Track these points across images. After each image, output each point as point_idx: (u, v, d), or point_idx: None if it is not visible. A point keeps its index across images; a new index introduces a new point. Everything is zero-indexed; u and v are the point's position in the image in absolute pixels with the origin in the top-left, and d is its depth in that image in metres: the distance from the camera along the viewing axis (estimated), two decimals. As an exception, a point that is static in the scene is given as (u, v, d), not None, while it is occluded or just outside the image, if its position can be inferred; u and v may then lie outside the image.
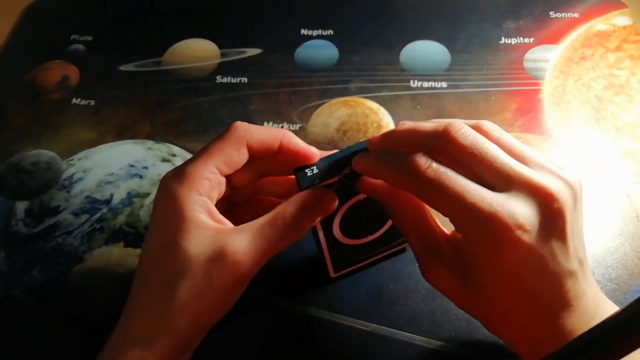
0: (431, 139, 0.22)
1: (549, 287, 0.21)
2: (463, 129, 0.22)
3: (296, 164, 0.25)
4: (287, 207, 0.24)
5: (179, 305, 0.22)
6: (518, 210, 0.20)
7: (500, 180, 0.21)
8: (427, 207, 0.24)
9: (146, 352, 0.22)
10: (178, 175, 0.24)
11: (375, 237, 0.30)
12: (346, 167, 0.25)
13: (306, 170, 0.25)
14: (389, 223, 0.29)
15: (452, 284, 0.23)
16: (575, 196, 0.22)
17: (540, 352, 0.21)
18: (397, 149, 0.24)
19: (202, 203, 0.23)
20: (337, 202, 0.25)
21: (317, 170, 0.25)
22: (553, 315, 0.21)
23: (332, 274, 0.31)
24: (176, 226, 0.23)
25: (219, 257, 0.22)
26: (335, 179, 0.25)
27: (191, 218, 0.23)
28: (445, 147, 0.22)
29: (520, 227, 0.20)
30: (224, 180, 0.25)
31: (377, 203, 0.26)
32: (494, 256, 0.21)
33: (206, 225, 0.23)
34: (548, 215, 0.21)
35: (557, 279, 0.21)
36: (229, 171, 0.25)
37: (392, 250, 0.32)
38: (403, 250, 0.32)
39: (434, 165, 0.21)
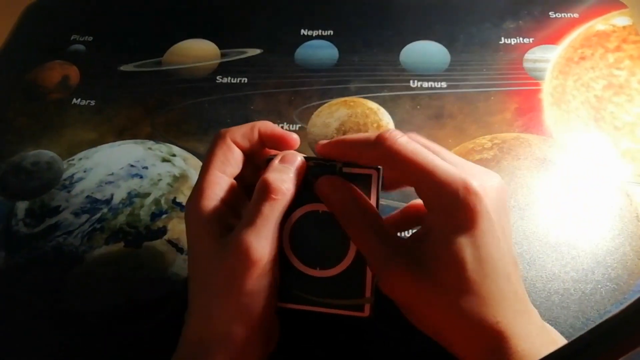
0: (369, 146, 0.25)
1: (505, 273, 0.22)
2: (396, 136, 0.24)
3: (278, 149, 0.27)
4: (268, 175, 0.25)
5: (214, 310, 0.24)
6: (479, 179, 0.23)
7: (438, 184, 0.23)
8: (377, 211, 0.25)
9: (216, 353, 0.23)
10: (192, 208, 0.25)
11: (327, 275, 0.26)
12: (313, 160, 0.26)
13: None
14: (343, 266, 0.26)
15: (408, 281, 0.23)
16: (499, 192, 0.24)
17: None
18: (343, 154, 0.26)
19: (215, 224, 0.25)
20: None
21: None
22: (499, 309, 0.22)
23: (277, 302, 0.26)
24: (194, 242, 0.25)
25: (230, 251, 0.23)
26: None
27: (204, 234, 0.25)
28: (383, 153, 0.24)
29: (477, 193, 0.22)
30: (231, 180, 0.26)
31: (333, 230, 0.25)
32: (459, 221, 0.22)
33: (215, 231, 0.25)
34: (495, 199, 0.23)
35: (514, 263, 0.23)
36: (232, 171, 0.26)
37: (349, 312, 0.26)
38: (366, 315, 0.26)
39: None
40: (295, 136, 0.27)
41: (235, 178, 0.27)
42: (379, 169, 0.26)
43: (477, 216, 0.22)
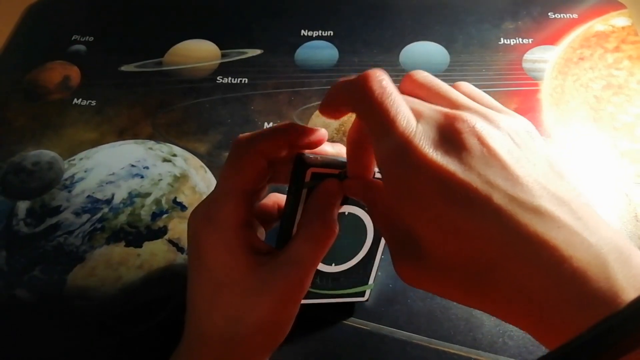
0: (353, 86, 0.21)
1: (510, 229, 0.16)
2: (381, 76, 0.20)
3: (308, 148, 0.24)
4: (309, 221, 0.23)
5: (241, 340, 0.22)
6: (432, 145, 0.18)
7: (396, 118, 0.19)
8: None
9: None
10: (207, 219, 0.23)
11: (340, 270, 0.27)
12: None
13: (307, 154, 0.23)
14: (358, 259, 0.27)
15: (412, 270, 0.20)
16: (510, 134, 0.18)
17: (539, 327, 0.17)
18: (336, 106, 0.22)
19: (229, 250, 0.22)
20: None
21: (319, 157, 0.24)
22: (543, 269, 0.16)
23: None
24: (200, 265, 0.23)
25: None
26: (336, 171, 0.23)
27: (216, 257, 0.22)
28: (361, 94, 0.20)
29: (434, 153, 0.17)
30: (252, 188, 0.23)
31: (355, 229, 0.26)
32: (419, 193, 0.17)
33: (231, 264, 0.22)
34: (450, 132, 0.18)
35: (516, 218, 0.16)
36: (252, 178, 0.23)
37: (352, 298, 0.29)
38: (366, 300, 0.30)
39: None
40: (323, 131, 0.24)
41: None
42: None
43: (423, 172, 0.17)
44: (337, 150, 0.25)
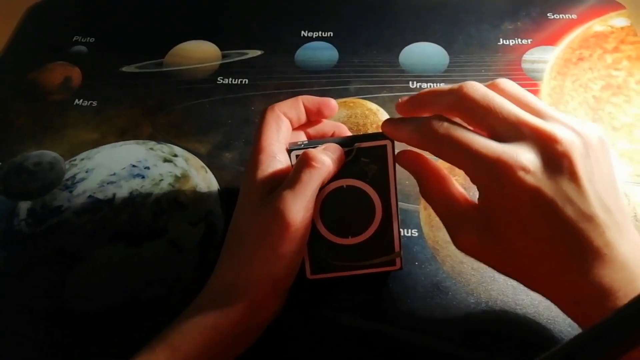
0: (448, 96, 0.24)
1: (569, 232, 0.21)
2: (475, 86, 0.24)
3: (321, 116, 0.31)
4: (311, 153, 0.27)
5: (244, 264, 0.26)
6: (521, 153, 0.22)
7: (508, 129, 0.22)
8: (451, 179, 0.26)
9: (225, 307, 0.25)
10: (254, 161, 0.27)
11: (359, 241, 0.29)
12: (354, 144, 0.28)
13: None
14: (373, 229, 0.29)
15: (479, 246, 0.24)
16: (587, 145, 0.22)
17: (579, 304, 0.22)
18: (420, 110, 0.26)
19: (270, 179, 0.27)
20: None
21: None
22: (582, 263, 0.21)
23: (309, 274, 0.30)
24: (246, 191, 0.27)
25: (270, 213, 0.25)
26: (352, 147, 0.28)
27: (258, 184, 0.27)
28: (459, 102, 0.24)
29: (523, 168, 0.21)
30: (283, 146, 0.28)
31: (359, 200, 0.28)
32: (503, 201, 0.22)
33: (267, 186, 0.27)
34: (552, 156, 0.21)
35: (576, 222, 0.21)
36: (284, 138, 0.28)
37: (381, 268, 0.30)
38: (398, 268, 0.30)
39: (445, 123, 0.24)
40: (333, 102, 0.30)
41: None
42: (392, 140, 0.28)
43: (521, 192, 0.21)
44: (339, 129, 0.32)
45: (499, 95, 0.24)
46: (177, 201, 0.37)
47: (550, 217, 0.21)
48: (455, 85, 0.24)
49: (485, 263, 0.25)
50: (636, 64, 0.41)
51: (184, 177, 0.38)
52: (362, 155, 0.28)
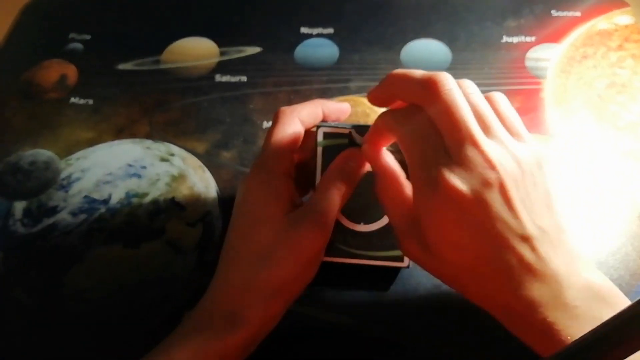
0: (419, 87, 0.24)
1: (498, 250, 0.22)
2: (448, 85, 0.23)
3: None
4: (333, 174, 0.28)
5: (269, 273, 0.25)
6: (458, 171, 0.22)
7: (455, 142, 0.22)
8: (405, 182, 0.26)
9: (235, 321, 0.25)
10: (259, 167, 0.27)
11: (370, 230, 0.29)
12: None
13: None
14: (385, 220, 0.29)
15: (420, 253, 0.24)
16: (523, 170, 0.23)
17: (510, 317, 0.23)
18: (391, 97, 0.26)
19: (277, 194, 0.27)
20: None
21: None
22: (512, 279, 0.21)
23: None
24: (251, 210, 0.27)
25: (290, 236, 0.25)
26: (345, 131, 0.28)
27: (265, 207, 0.26)
28: (427, 96, 0.23)
29: (454, 185, 0.22)
30: (291, 153, 0.29)
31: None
32: (433, 210, 0.22)
33: (274, 210, 0.26)
34: (485, 183, 0.22)
35: (506, 241, 0.21)
36: (294, 145, 0.28)
37: (390, 262, 0.30)
38: (405, 266, 0.30)
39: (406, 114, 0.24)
40: (346, 106, 0.31)
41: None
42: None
43: (451, 204, 0.22)
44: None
45: (465, 102, 0.23)
46: (175, 201, 0.36)
47: (479, 234, 0.22)
48: (426, 75, 0.24)
49: (427, 270, 0.25)
50: (641, 62, 0.41)
51: (181, 176, 0.38)
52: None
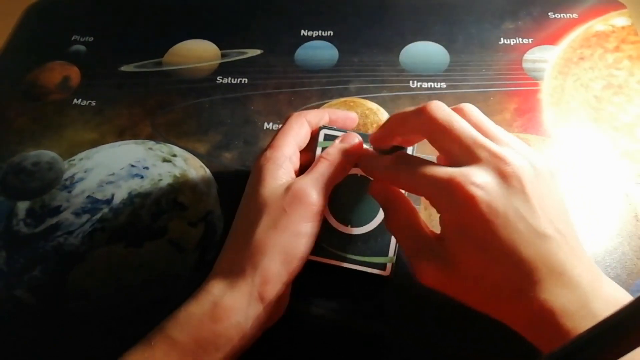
0: (413, 118, 0.26)
1: (523, 248, 0.22)
2: (439, 108, 0.25)
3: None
4: (328, 149, 0.29)
5: (259, 239, 0.26)
6: (473, 172, 0.23)
7: (464, 151, 0.24)
8: (417, 212, 0.27)
9: (230, 289, 0.25)
10: (266, 157, 0.29)
11: (357, 233, 0.29)
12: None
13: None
14: (374, 225, 0.29)
15: (439, 276, 0.24)
16: (537, 170, 0.23)
17: (535, 326, 0.22)
18: (391, 138, 0.28)
19: (282, 172, 0.28)
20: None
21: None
22: (537, 280, 0.21)
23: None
24: (257, 181, 0.28)
25: (287, 191, 0.27)
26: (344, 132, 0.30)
27: (269, 175, 0.28)
28: (423, 124, 0.25)
29: (475, 184, 0.22)
30: (298, 149, 0.30)
31: (367, 194, 0.28)
32: (457, 218, 0.23)
33: (279, 176, 0.28)
34: (503, 176, 0.22)
35: (530, 239, 0.22)
36: (301, 143, 0.30)
37: (372, 269, 0.29)
38: (387, 275, 0.29)
39: (402, 157, 0.26)
40: (353, 115, 0.33)
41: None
42: None
43: (473, 206, 0.22)
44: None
45: (462, 119, 0.25)
46: (177, 201, 0.37)
47: (503, 231, 0.22)
48: (420, 106, 0.25)
49: (446, 293, 0.25)
50: (637, 64, 0.41)
51: (183, 177, 0.38)
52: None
